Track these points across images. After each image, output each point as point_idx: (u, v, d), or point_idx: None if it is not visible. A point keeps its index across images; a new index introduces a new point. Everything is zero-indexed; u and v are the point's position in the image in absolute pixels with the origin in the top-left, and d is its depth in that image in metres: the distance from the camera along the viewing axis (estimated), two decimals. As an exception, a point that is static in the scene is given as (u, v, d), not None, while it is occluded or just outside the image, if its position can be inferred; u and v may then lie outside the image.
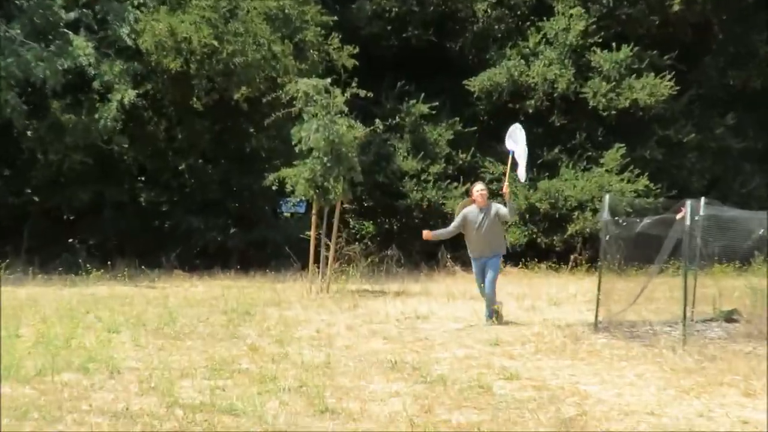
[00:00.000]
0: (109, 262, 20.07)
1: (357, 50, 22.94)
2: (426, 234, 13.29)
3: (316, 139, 16.77)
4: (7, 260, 19.10)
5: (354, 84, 17.95)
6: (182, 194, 24.64)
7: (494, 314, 12.95)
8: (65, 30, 21.60)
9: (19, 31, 20.99)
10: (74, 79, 21.69)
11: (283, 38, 22.46)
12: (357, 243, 22.39)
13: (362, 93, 17.54)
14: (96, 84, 21.46)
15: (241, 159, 24.57)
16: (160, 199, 24.93)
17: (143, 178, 25.21)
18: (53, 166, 22.45)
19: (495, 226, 13.02)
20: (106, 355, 9.71)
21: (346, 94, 17.45)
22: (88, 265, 18.83)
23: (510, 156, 13.65)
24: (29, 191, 23.85)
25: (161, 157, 24.38)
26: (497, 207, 13.09)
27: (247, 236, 24.13)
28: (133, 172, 24.72)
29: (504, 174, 13.18)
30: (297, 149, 17.27)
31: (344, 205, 18.68)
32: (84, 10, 21.92)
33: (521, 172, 13.64)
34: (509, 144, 13.69)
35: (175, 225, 24.16)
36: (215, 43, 21.75)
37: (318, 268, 17.52)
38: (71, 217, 24.70)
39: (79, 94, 22.38)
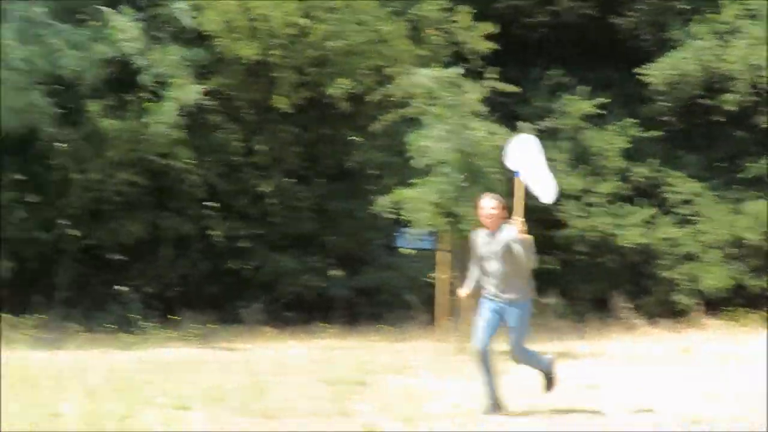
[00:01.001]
0: (172, 316, 20.60)
1: (495, 30, 22.64)
2: (462, 292, 12.36)
3: (443, 149, 17.04)
4: (37, 314, 19.62)
5: (491, 75, 18.17)
6: (266, 225, 24.95)
7: (548, 382, 12.06)
8: (101, 6, 22.15)
9: (46, 10, 21.48)
10: (117, 72, 22.21)
11: (394, 14, 22.63)
12: None
13: (503, 87, 17.92)
14: (146, 78, 21.87)
15: (342, 177, 24.96)
16: (236, 233, 25.05)
17: (213, 205, 25.14)
18: (93, 188, 22.89)
19: (514, 259, 11.72)
20: None
21: (481, 89, 17.71)
22: (144, 321, 19.43)
23: (516, 179, 12.32)
24: (64, 223, 24.08)
25: (236, 176, 24.78)
26: (511, 235, 11.74)
27: (353, 280, 24.45)
28: (199, 197, 24.75)
29: (513, 211, 11.72)
30: (417, 163, 17.58)
31: None
32: None
33: (544, 194, 12.56)
34: (512, 163, 12.54)
35: (258, 266, 24.61)
36: (303, 21, 22.01)
37: (451, 320, 17.78)
38: (119, 257, 24.96)
39: (125, 92, 22.72)
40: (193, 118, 22.66)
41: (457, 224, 17.20)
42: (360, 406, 12.39)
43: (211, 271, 24.89)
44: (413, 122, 18.16)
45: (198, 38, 22.64)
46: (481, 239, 11.93)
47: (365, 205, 21.24)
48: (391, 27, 22.29)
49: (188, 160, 23.02)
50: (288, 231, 24.63)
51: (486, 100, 17.94)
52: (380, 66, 22.29)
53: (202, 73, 22.72)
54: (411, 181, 17.79)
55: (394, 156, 22.34)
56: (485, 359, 11.53)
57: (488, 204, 11.86)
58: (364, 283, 24.25)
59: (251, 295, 23.56)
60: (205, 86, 22.32)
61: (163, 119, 21.70)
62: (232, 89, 23.99)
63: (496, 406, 11.55)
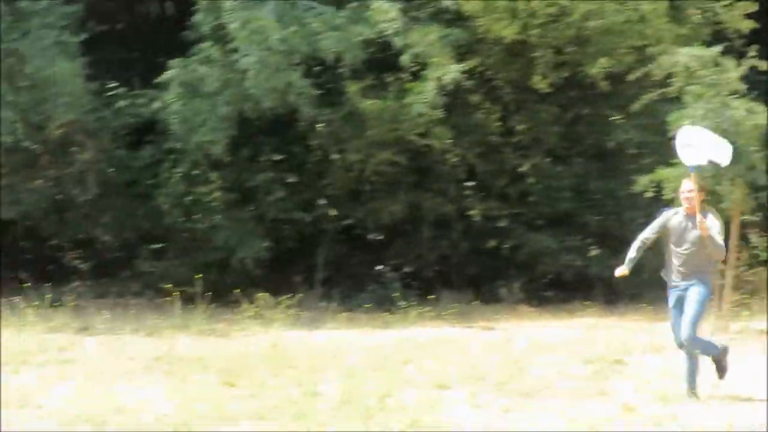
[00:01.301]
0: (430, 296, 21.26)
1: (756, 7, 22.27)
2: (619, 271, 13.38)
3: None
4: (299, 295, 20.55)
5: (752, 53, 18.39)
6: (525, 205, 25.55)
7: (720, 368, 12.33)
8: None
9: None
10: (376, 52, 23.06)
11: None
12: (763, 266, 22.52)
13: (763, 65, 18.10)
14: (406, 59, 22.46)
15: (602, 156, 25.36)
16: (495, 213, 25.63)
17: (472, 185, 25.91)
18: (353, 169, 23.95)
19: (703, 246, 12.05)
20: (435, 419, 10.42)
21: (742, 68, 17.96)
22: (403, 300, 20.15)
23: (692, 175, 12.44)
24: (323, 203, 25.28)
25: (495, 156, 25.28)
26: (710, 224, 11.99)
27: (613, 259, 24.70)
28: (458, 177, 25.56)
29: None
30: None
31: (744, 217, 19.07)
32: None
33: (720, 157, 12.84)
34: (686, 158, 12.68)
35: (517, 246, 25.12)
36: (564, 1, 22.28)
37: (712, 299, 18.48)
38: (379, 237, 26.30)
39: (384, 72, 23.58)
40: (452, 98, 23.14)
41: (717, 203, 17.24)
42: (618, 385, 12.90)
43: (469, 250, 25.50)
44: (673, 101, 18.37)
45: (457, 18, 23.11)
46: (676, 221, 12.33)
47: (625, 185, 21.44)
48: (651, 6, 22.25)
49: (447, 140, 23.69)
50: (546, 210, 25.11)
51: (745, 79, 18.03)
52: (640, 45, 22.34)
53: (460, 53, 23.05)
54: (671, 160, 18.46)
55: (653, 135, 22.55)
56: (689, 351, 12.09)
57: (686, 187, 12.27)
58: (623, 262, 24.89)
59: (510, 274, 24.21)
60: (463, 66, 22.64)
61: (422, 99, 22.27)
62: (490, 69, 24.49)
63: (693, 393, 12.02)
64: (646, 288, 22.01)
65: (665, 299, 20.82)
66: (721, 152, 12.80)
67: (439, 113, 22.89)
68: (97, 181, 24.08)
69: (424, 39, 22.42)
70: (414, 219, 25.22)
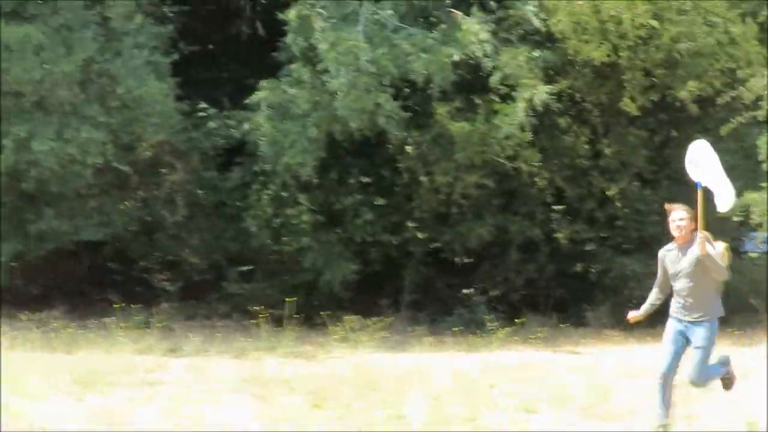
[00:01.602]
0: (517, 319, 21.10)
1: None
2: (632, 316, 12.47)
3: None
4: (385, 318, 20.46)
5: None
6: (612, 229, 25.59)
7: (726, 383, 11.87)
8: (452, 10, 23.11)
9: (391, 13, 22.54)
10: (466, 74, 23.10)
11: (744, 16, 22.54)
12: None
13: None
14: (494, 80, 22.54)
15: (689, 180, 25.24)
16: (582, 236, 25.72)
17: (560, 208, 25.97)
18: (441, 191, 23.95)
19: (704, 275, 11.35)
20: None
21: None
22: (489, 324, 20.13)
23: (698, 191, 12.13)
24: (411, 226, 25.33)
25: (583, 180, 25.34)
26: (708, 246, 11.36)
27: None
28: (546, 200, 25.65)
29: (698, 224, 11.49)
30: (766, 167, 18.07)
31: None
32: None
33: (721, 201, 12.08)
34: (693, 174, 12.43)
35: (604, 270, 25.18)
36: (654, 23, 22.16)
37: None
38: (466, 260, 26.20)
39: (473, 94, 23.69)
40: (540, 120, 23.19)
41: None
42: (704, 409, 12.80)
43: (556, 273, 25.58)
44: (761, 125, 18.40)
45: (547, 40, 23.21)
46: (670, 255, 11.64)
47: (713, 209, 21.94)
48: (741, 28, 22.15)
49: (535, 163, 23.79)
50: (634, 234, 25.09)
51: None
52: (730, 68, 22.26)
53: (549, 74, 23.22)
54: (760, 184, 18.39)
55: (742, 159, 22.16)
56: (666, 384, 11.28)
57: (677, 215, 11.70)
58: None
59: (596, 298, 24.21)
60: (552, 88, 22.70)
61: (511, 121, 22.28)
62: (579, 91, 24.60)
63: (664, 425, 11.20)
64: (734, 314, 21.92)
65: (750, 324, 20.55)
66: (724, 197, 12.11)
67: (528, 135, 22.92)
68: (186, 203, 24.36)
69: (514, 60, 22.47)
70: (501, 242, 25.23)
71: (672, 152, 25.11)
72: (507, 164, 23.82)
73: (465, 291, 25.33)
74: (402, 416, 11.75)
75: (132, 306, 20.10)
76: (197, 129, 23.60)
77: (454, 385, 14.28)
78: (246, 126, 23.14)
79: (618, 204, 25.54)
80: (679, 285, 11.38)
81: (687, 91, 22.35)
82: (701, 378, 11.39)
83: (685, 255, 11.37)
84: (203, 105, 23.80)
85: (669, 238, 22.31)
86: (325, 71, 22.05)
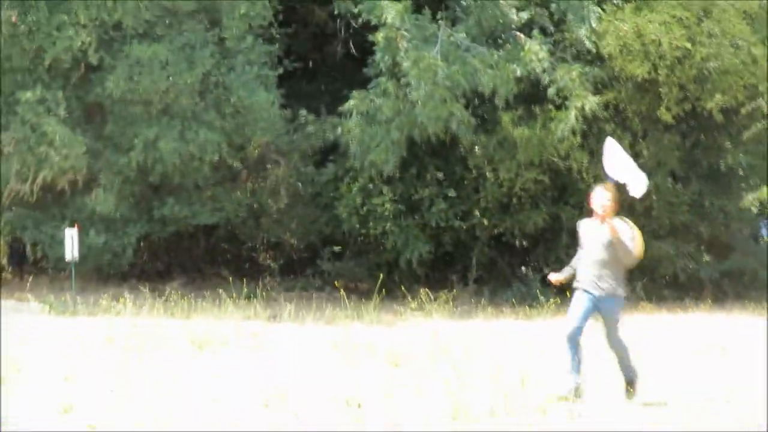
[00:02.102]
0: (567, 293, 21.48)
1: None
2: (553, 277, 11.83)
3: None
4: (454, 290, 20.81)
5: None
6: (648, 217, 24.99)
7: (629, 389, 11.05)
8: (516, 32, 23.31)
9: (464, 35, 22.83)
10: (526, 87, 23.15)
11: (765, 39, 22.64)
12: None
13: None
14: (551, 92, 22.77)
15: (715, 178, 25.25)
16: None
17: None
18: (504, 186, 24.07)
19: (614, 255, 10.83)
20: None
21: None
22: (542, 297, 20.18)
23: (610, 185, 11.36)
24: (477, 214, 25.28)
25: None
26: (621, 229, 10.84)
27: (721, 264, 24.91)
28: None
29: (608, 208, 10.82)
30: None
31: None
32: (538, 9, 23.44)
33: (634, 189, 11.54)
34: (609, 168, 11.64)
35: (643, 252, 25.69)
36: (688, 45, 22.31)
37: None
38: (524, 243, 26.21)
39: (533, 104, 23.74)
40: (589, 126, 23.32)
41: None
42: (721, 368, 12.92)
43: None
44: None
45: (596, 58, 23.31)
46: (589, 227, 11.07)
47: (734, 201, 21.67)
48: (762, 50, 22.35)
49: (584, 162, 23.75)
50: (666, 222, 25.00)
51: None
52: (751, 83, 22.45)
53: (597, 88, 23.34)
54: None
55: (760, 160, 22.85)
56: (574, 342, 10.82)
57: (605, 195, 10.90)
58: (729, 267, 24.75)
59: (633, 275, 23.91)
60: (600, 99, 22.91)
61: (564, 127, 22.53)
62: (622, 102, 24.51)
63: (577, 390, 10.69)
64: (750, 288, 21.89)
65: (765, 299, 20.26)
66: (638, 183, 11.60)
67: (578, 139, 23.07)
68: (288, 194, 24.65)
69: (567, 75, 22.59)
70: (554, 228, 25.22)
71: (700, 153, 25.45)
72: (560, 163, 23.95)
73: (522, 269, 25.53)
74: (467, 373, 11.64)
75: (240, 280, 20.26)
76: (298, 132, 23.80)
77: (511, 348, 14.31)
78: (339, 130, 23.39)
79: (653, 197, 24.97)
80: (591, 259, 10.88)
81: (714, 103, 22.53)
82: (616, 345, 10.95)
83: (601, 233, 10.83)
84: (303, 112, 23.90)
85: (697, 224, 21.59)
86: (408, 84, 22.26)
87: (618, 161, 11.54)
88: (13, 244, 26.64)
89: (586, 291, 10.91)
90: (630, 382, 10.96)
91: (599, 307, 10.83)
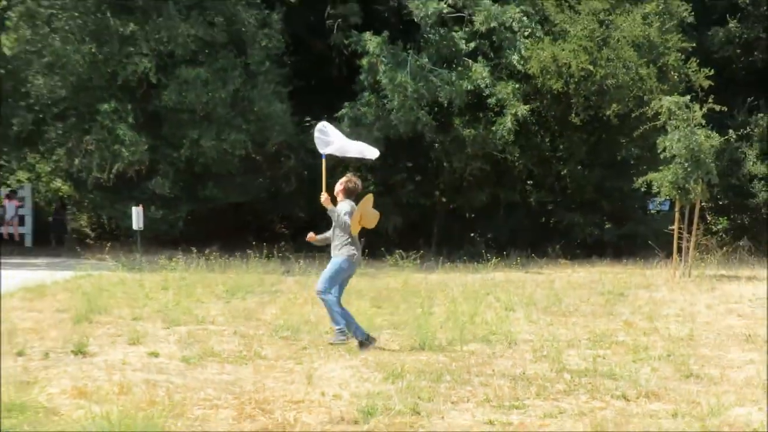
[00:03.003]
0: (504, 253, 20.99)
1: (712, 72, 22.19)
2: (309, 237, 10.40)
3: (678, 147, 17.26)
4: (421, 251, 20.40)
5: (710, 100, 18.29)
6: (564, 195, 25.64)
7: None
8: (465, 58, 23.37)
9: (427, 60, 22.99)
10: (473, 98, 23.20)
11: (648, 63, 22.62)
12: (713, 235, 22.63)
13: (717, 108, 17.95)
14: (492, 102, 22.82)
15: (613, 165, 25.16)
16: (545, 200, 26.18)
17: (531, 182, 26.35)
18: (456, 172, 24.21)
19: (336, 223, 9.75)
20: (505, 329, 10.28)
21: (703, 109, 17.76)
22: (487, 255, 19.71)
23: (323, 161, 10.35)
24: (437, 194, 25.69)
25: (546, 164, 25.45)
26: (340, 208, 9.76)
27: (619, 230, 25.06)
28: (522, 177, 25.87)
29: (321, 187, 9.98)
30: (662, 156, 17.62)
31: (702, 203, 18.73)
32: (481, 40, 23.42)
33: (368, 153, 10.53)
34: (320, 147, 10.33)
35: (559, 221, 25.38)
36: (591, 67, 22.45)
37: (680, 256, 17.88)
38: (472, 215, 26.28)
39: (478, 111, 23.70)
40: (521, 128, 23.27)
41: (685, 194, 17.30)
42: (622, 309, 12.70)
43: (529, 223, 25.72)
44: (660, 130, 18.14)
45: (524, 77, 23.32)
46: (340, 205, 9.83)
47: (628, 183, 21.29)
48: (646, 71, 22.36)
49: (516, 155, 23.91)
50: (578, 199, 25.21)
51: (706, 116, 17.83)
52: (639, 95, 22.48)
53: (526, 99, 23.34)
54: (658, 168, 18.28)
55: (647, 152, 22.87)
56: (334, 303, 9.65)
57: (342, 179, 9.98)
58: (625, 232, 24.83)
59: (554, 239, 24.15)
60: (527, 107, 22.92)
61: (502, 128, 22.64)
62: (544, 109, 24.72)
63: (369, 339, 9.47)
64: (640, 250, 21.93)
65: (651, 256, 20.23)
66: (368, 150, 10.50)
67: (512, 137, 23.07)
68: (296, 179, 24.75)
69: (504, 90, 22.78)
70: (494, 204, 25.24)
71: (602, 147, 25.42)
72: (498, 155, 23.89)
73: (471, 235, 25.45)
74: (431, 312, 11.42)
75: (261, 244, 20.16)
76: (304, 134, 23.57)
77: (463, 294, 14.09)
78: (335, 131, 23.20)
79: (568, 180, 25.51)
80: (332, 227, 9.78)
81: (612, 110, 22.68)
82: (321, 292, 9.63)
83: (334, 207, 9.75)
84: (308, 118, 23.76)
85: (601, 200, 20.98)
86: (385, 97, 22.60)
87: (340, 140, 10.39)
88: (56, 216, 26.44)
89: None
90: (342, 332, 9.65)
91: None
